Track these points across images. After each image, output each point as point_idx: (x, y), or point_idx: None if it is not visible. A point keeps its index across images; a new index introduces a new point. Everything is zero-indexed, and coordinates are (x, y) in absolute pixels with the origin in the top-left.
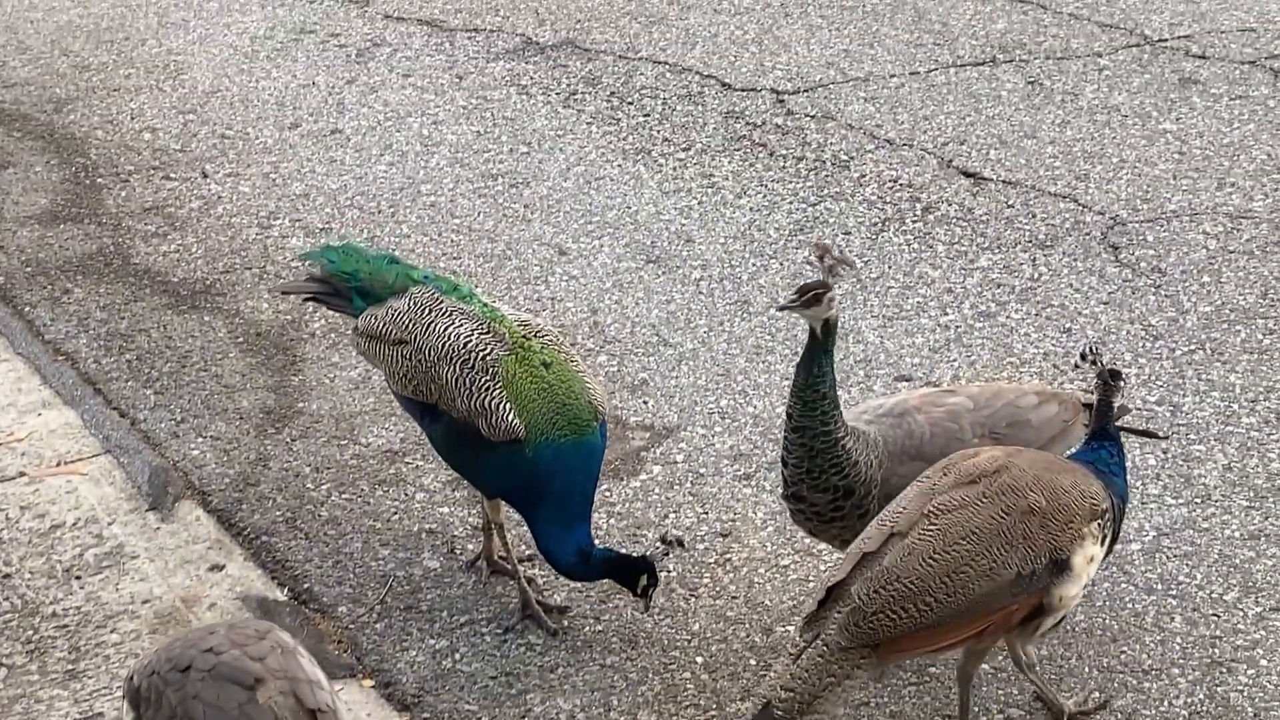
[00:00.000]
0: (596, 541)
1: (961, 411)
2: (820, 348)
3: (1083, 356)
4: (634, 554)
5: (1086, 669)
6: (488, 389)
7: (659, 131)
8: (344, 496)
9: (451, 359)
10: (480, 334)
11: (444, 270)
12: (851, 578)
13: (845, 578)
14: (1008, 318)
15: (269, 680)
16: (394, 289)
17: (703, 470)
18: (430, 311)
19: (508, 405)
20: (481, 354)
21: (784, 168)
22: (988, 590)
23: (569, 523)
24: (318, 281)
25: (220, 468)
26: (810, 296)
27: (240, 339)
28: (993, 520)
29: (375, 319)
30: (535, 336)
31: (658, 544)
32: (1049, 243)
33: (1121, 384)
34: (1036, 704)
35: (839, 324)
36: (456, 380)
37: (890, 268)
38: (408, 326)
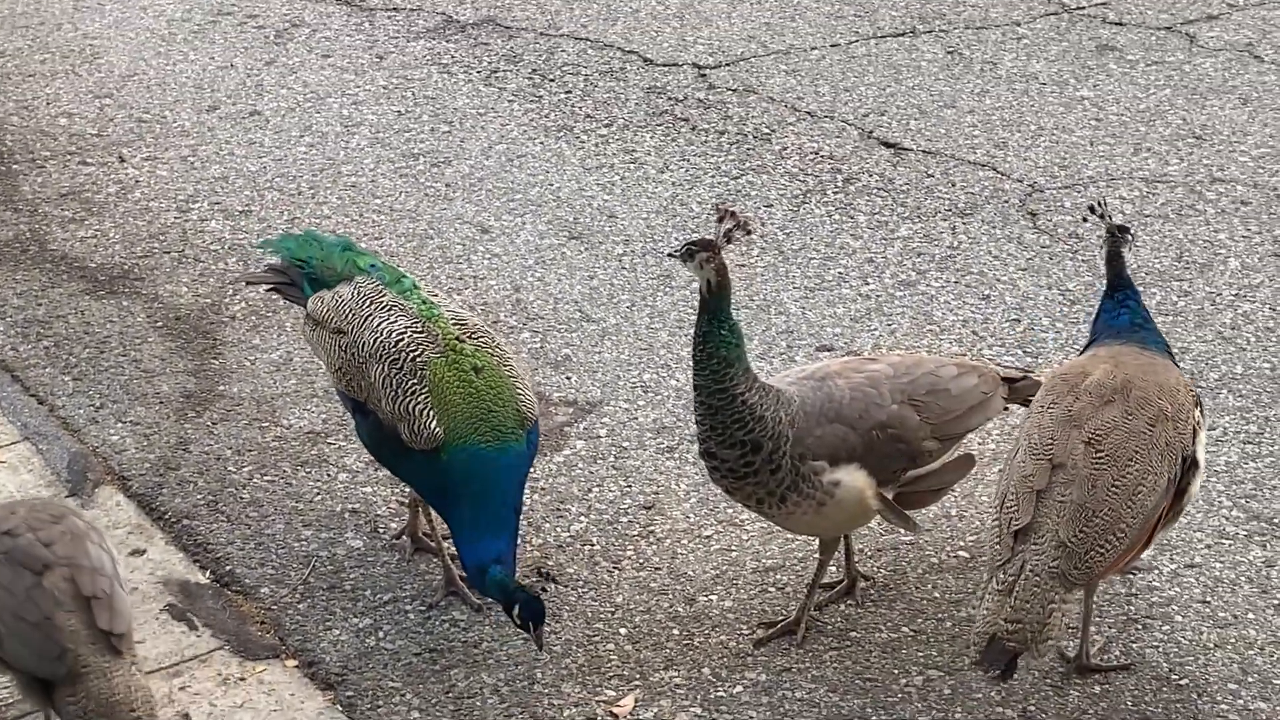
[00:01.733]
0: (515, 555)
1: (881, 378)
2: (708, 308)
3: (1091, 210)
4: (526, 590)
5: None
6: (413, 393)
7: (581, 108)
8: (266, 478)
9: (381, 357)
10: (413, 333)
11: (365, 249)
12: (1039, 517)
13: (1030, 520)
14: (928, 286)
15: (55, 567)
16: (341, 276)
17: (626, 444)
18: (370, 303)
19: (430, 412)
20: (411, 355)
21: (706, 142)
22: (1155, 503)
23: (484, 530)
24: (277, 271)
25: (140, 452)
26: (686, 250)
27: (159, 323)
28: (1144, 436)
29: (321, 304)
30: (470, 338)
31: (534, 576)
32: (968, 211)
33: (1129, 237)
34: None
35: (732, 288)
36: (384, 380)
37: (812, 239)
38: (347, 316)
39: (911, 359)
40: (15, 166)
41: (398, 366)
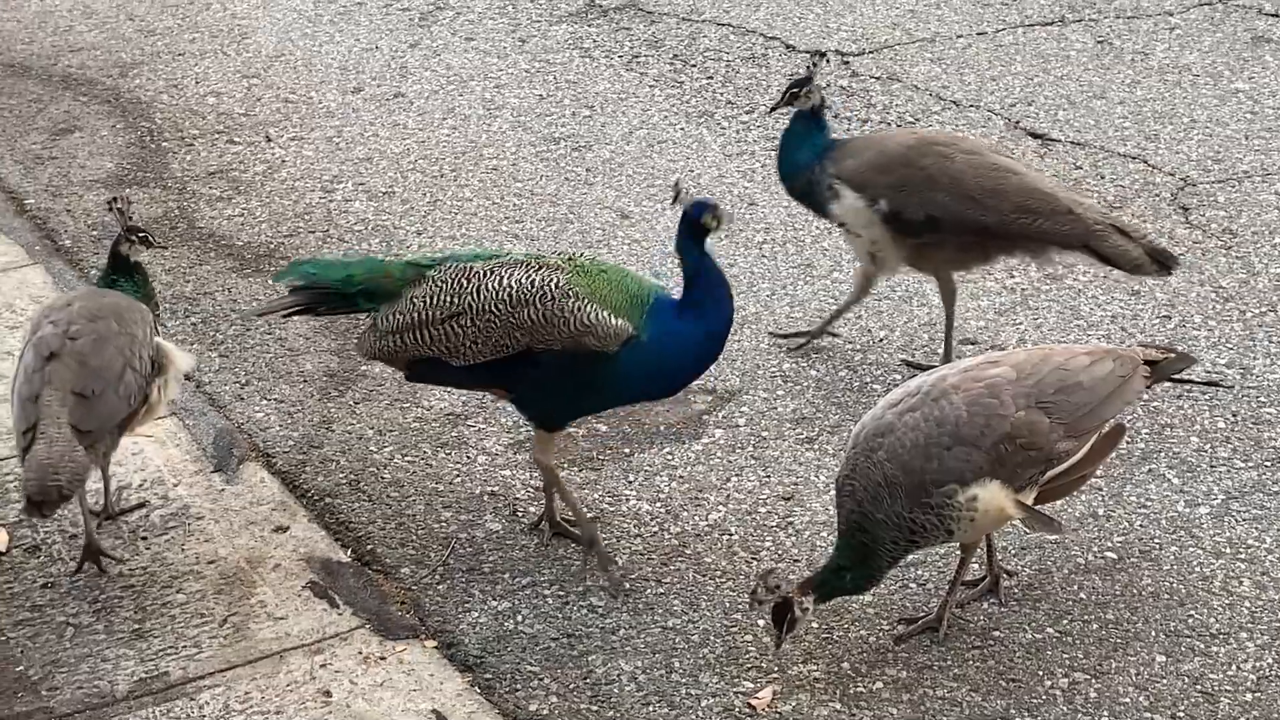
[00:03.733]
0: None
1: (1003, 384)
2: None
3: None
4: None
5: (1153, 633)
6: (578, 309)
7: (722, 94)
8: (406, 459)
9: (527, 300)
10: (535, 271)
11: (507, 234)
12: None
13: None
14: (1074, 280)
15: (62, 356)
16: (404, 280)
17: (765, 434)
18: (470, 279)
19: (604, 312)
20: (552, 283)
21: (849, 130)
22: None
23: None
24: (302, 292)
25: (284, 430)
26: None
27: None
28: None
29: (402, 313)
30: (572, 259)
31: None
32: (1118, 204)
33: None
34: None
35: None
36: (544, 316)
37: None
38: (454, 301)
39: (1037, 355)
40: (165, 144)
41: (549, 298)
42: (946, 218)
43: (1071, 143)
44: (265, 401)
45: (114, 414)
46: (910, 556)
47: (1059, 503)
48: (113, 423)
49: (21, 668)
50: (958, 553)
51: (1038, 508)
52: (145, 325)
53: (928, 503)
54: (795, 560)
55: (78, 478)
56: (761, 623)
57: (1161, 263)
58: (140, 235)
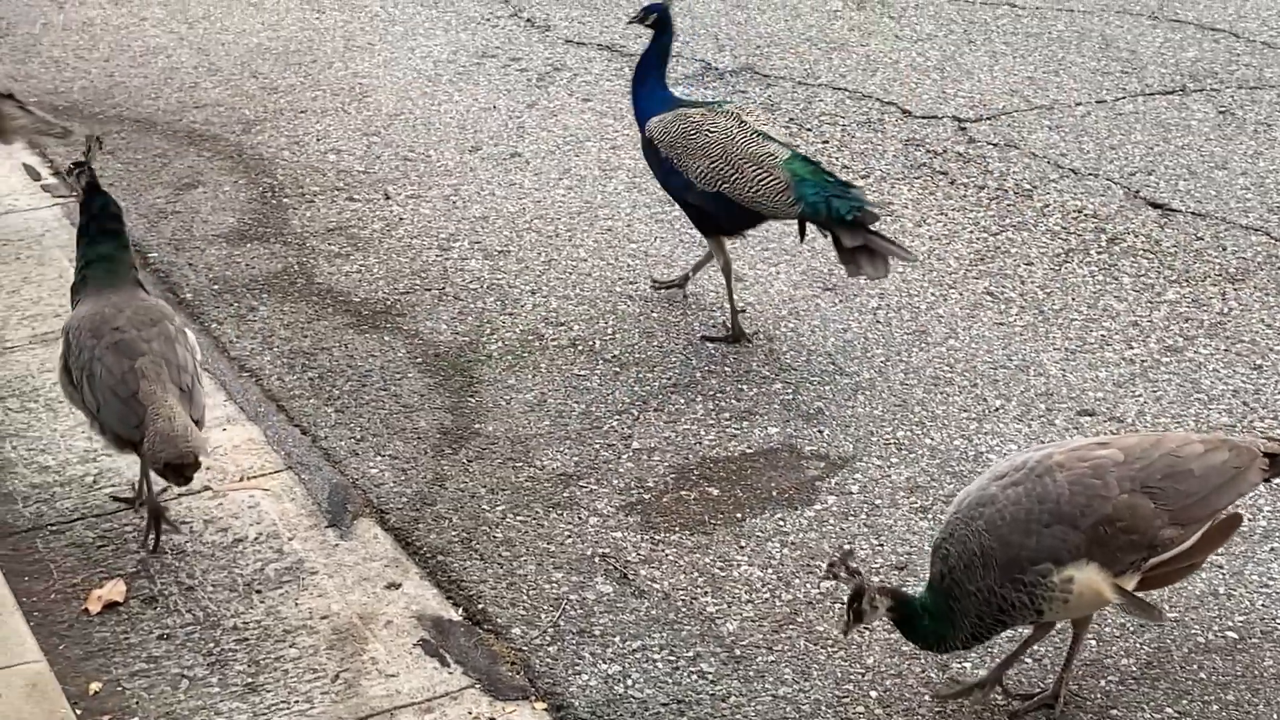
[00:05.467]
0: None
1: (1108, 466)
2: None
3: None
4: None
5: (1275, 715)
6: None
7: (838, 158)
8: (518, 518)
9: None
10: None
11: (620, 294)
12: None
13: None
14: (1196, 353)
15: (148, 355)
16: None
17: (878, 502)
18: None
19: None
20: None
21: (965, 196)
22: None
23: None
24: None
25: (398, 486)
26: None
27: (419, 359)
28: None
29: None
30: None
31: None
32: (1240, 276)
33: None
34: None
35: None
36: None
37: (1074, 299)
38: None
39: (1149, 440)
40: (286, 200)
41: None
42: None
43: (1192, 213)
44: (379, 458)
45: (204, 404)
46: (1025, 630)
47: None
48: (203, 412)
49: (137, 718)
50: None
51: (1141, 594)
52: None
53: (1021, 579)
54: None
55: (204, 445)
56: (874, 694)
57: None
58: (78, 167)
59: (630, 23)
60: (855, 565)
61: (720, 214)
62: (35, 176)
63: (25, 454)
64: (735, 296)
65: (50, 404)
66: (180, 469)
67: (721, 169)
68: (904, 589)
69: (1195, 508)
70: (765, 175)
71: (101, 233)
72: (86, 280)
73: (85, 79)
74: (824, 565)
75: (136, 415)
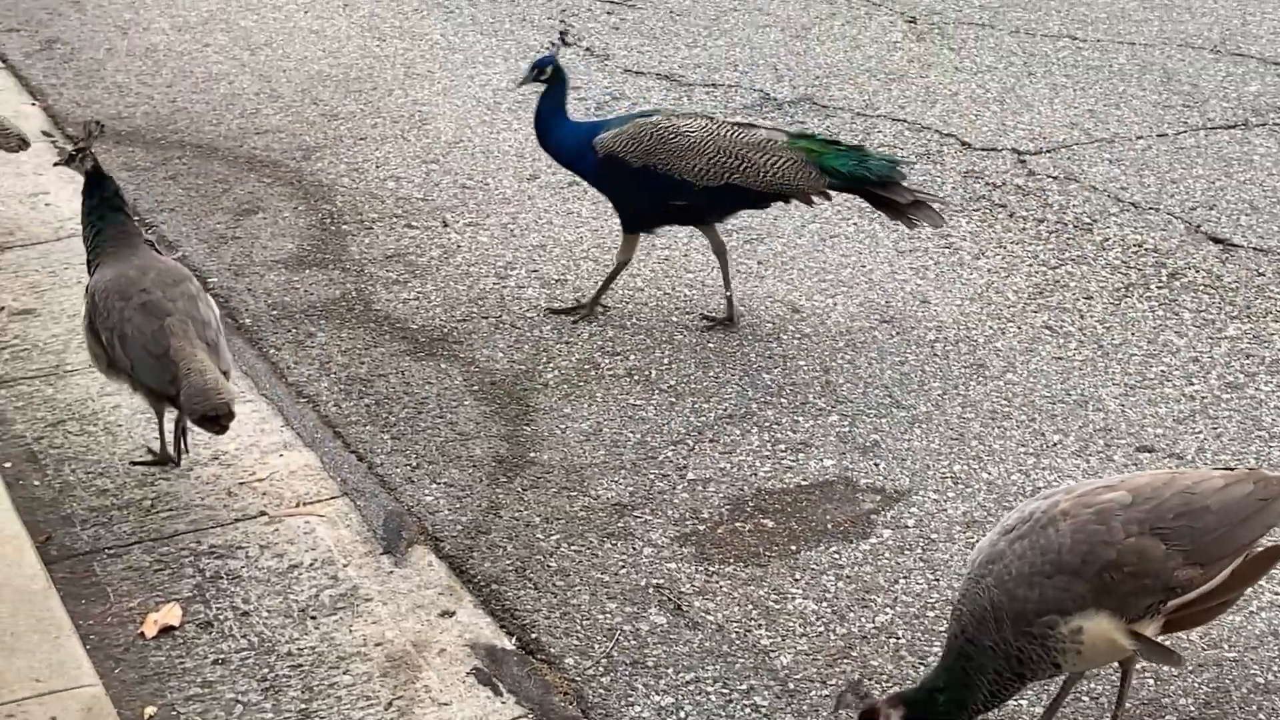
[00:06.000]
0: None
1: (1114, 510)
2: None
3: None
4: None
5: None
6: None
7: None
8: (573, 548)
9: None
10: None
11: (677, 324)
12: None
13: None
14: (1257, 390)
15: (175, 315)
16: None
17: (934, 536)
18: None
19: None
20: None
21: (1024, 229)
22: None
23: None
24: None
25: (453, 514)
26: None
27: (475, 387)
28: None
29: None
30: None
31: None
32: None
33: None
34: None
35: None
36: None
37: (1133, 334)
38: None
39: (1162, 479)
40: (345, 227)
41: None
42: None
43: (1254, 249)
44: (435, 485)
45: (229, 358)
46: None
47: (1229, 621)
48: (230, 364)
49: None
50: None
51: (1176, 634)
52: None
53: (1030, 632)
54: None
55: (235, 396)
56: None
57: None
58: (80, 153)
59: (522, 84)
60: (865, 690)
61: (727, 204)
62: None
63: (84, 477)
64: (608, 289)
65: (109, 428)
66: (216, 419)
67: (724, 161)
68: (908, 688)
69: (1215, 545)
70: (776, 158)
71: (113, 209)
72: (104, 247)
73: (148, 104)
74: (832, 700)
75: (170, 371)
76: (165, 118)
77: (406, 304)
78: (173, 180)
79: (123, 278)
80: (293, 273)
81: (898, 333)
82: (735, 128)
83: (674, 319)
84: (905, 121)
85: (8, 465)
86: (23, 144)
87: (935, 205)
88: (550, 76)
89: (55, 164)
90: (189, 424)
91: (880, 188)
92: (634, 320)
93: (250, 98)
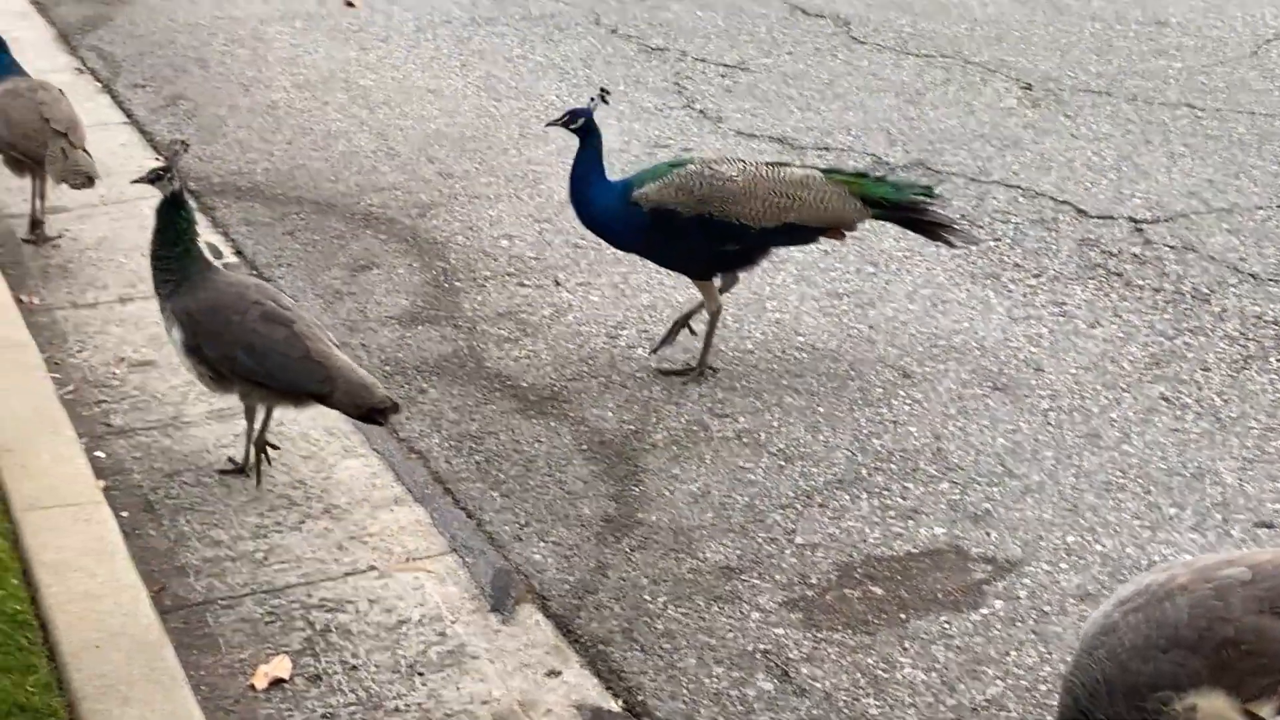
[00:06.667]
0: None
1: (1233, 586)
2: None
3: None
4: None
5: None
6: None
7: (1009, 256)
8: (680, 610)
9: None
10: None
11: (787, 388)
12: None
13: None
14: None
15: (298, 320)
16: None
17: (1047, 608)
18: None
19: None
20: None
21: (1140, 299)
22: None
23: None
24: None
25: (560, 573)
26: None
27: (584, 446)
28: None
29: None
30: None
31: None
32: None
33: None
34: None
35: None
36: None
37: (1252, 408)
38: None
39: None
40: (458, 284)
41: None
42: None
43: None
44: (543, 543)
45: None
46: None
47: None
48: None
49: None
50: None
51: None
52: None
53: (1143, 707)
54: None
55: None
56: None
57: None
58: (165, 172)
59: (551, 124)
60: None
61: (779, 243)
62: (217, 254)
63: (199, 528)
64: (712, 345)
65: (225, 479)
66: (383, 412)
67: (779, 201)
68: None
69: None
70: (822, 192)
71: (194, 231)
72: (189, 268)
73: (268, 161)
74: None
75: (321, 371)
76: (285, 174)
77: (517, 362)
78: (291, 236)
79: (225, 294)
80: (406, 329)
81: (1010, 400)
82: (771, 167)
83: (783, 382)
84: (1020, 188)
85: (125, 515)
86: (89, 181)
87: (966, 229)
88: (581, 129)
89: (133, 182)
90: (265, 439)
91: (920, 212)
92: (743, 382)
93: (368, 155)
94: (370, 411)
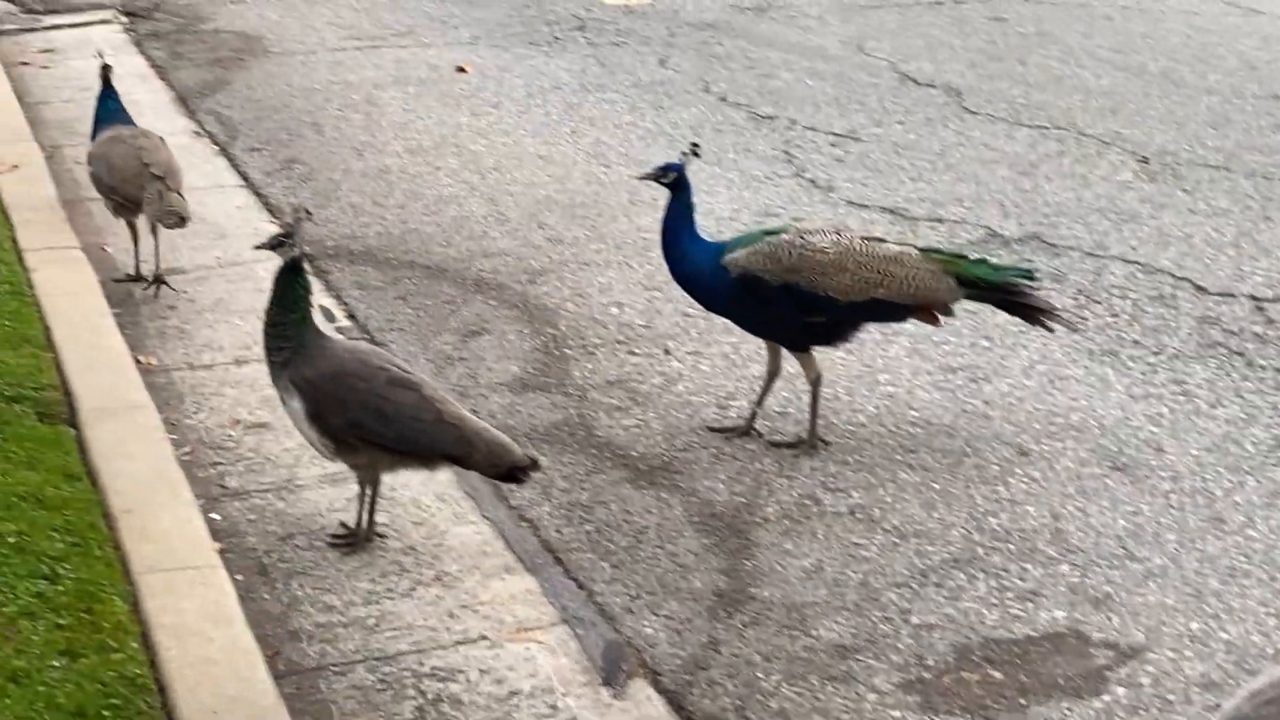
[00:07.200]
0: None
1: None
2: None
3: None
4: None
5: None
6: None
7: (1128, 334)
8: (794, 689)
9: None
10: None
11: (900, 463)
12: None
13: None
14: None
15: (425, 384)
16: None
17: (1171, 697)
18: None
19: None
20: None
21: (1263, 379)
22: None
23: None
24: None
25: (672, 648)
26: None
27: (695, 518)
28: None
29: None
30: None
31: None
32: None
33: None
34: None
35: None
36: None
37: None
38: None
39: None
40: (567, 351)
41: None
42: None
43: None
44: (654, 617)
45: None
46: None
47: None
48: None
49: None
50: None
51: None
52: None
53: None
54: None
55: None
56: None
57: None
58: (287, 238)
59: (643, 177)
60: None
61: (866, 318)
62: (330, 318)
63: (311, 592)
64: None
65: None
66: (524, 469)
67: (869, 276)
68: None
69: None
70: (914, 270)
71: (306, 301)
72: (305, 337)
73: (380, 225)
74: None
75: (457, 432)
76: (397, 238)
77: (628, 431)
78: (403, 300)
79: (347, 361)
80: (516, 396)
81: (1130, 481)
82: (866, 241)
83: (897, 457)
84: (1138, 264)
85: (240, 578)
86: (181, 221)
87: (1064, 314)
88: (673, 183)
89: (255, 247)
90: (372, 500)
91: (1017, 294)
92: (856, 457)
93: (479, 220)
94: (511, 470)
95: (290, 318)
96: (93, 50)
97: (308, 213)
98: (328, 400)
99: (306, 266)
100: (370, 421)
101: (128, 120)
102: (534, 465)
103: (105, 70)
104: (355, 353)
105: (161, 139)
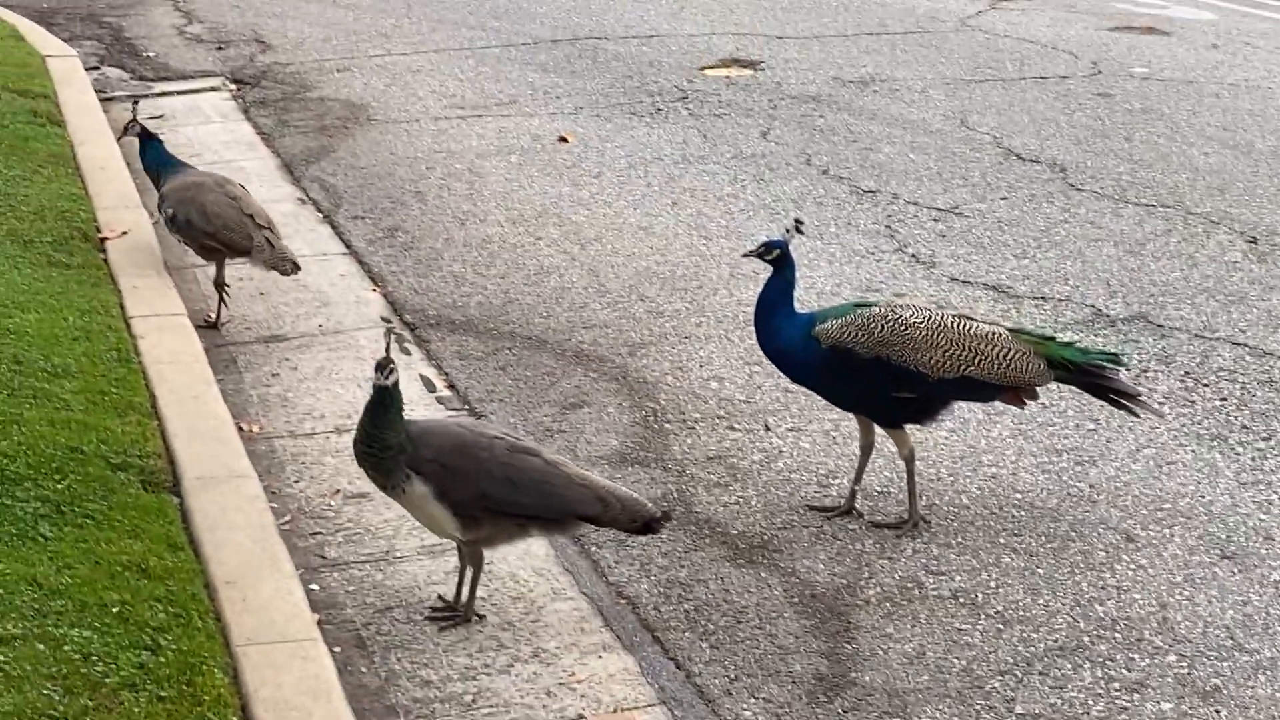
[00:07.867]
0: None
1: None
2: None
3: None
4: None
5: None
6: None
7: (1237, 418)
8: None
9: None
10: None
11: (1005, 546)
12: None
13: None
14: None
15: (541, 451)
16: None
17: None
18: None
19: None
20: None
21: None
22: None
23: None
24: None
25: None
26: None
27: (795, 599)
28: None
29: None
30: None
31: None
32: None
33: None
34: None
35: None
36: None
37: None
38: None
39: None
40: (667, 425)
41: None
42: None
43: None
44: (753, 700)
45: None
46: None
47: None
48: None
49: None
50: None
51: None
52: None
53: None
54: None
55: None
56: None
57: None
58: (388, 363)
59: (747, 255)
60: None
61: (954, 396)
62: (430, 388)
63: (409, 666)
64: (917, 494)
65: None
66: (658, 521)
67: (959, 354)
68: None
69: None
70: (1005, 350)
71: (400, 418)
72: (407, 430)
73: (482, 294)
74: None
75: (592, 492)
76: (498, 308)
77: (727, 508)
78: (503, 371)
79: (463, 437)
80: (615, 469)
81: (1240, 570)
82: (958, 318)
83: (1001, 540)
84: (1247, 346)
85: (337, 650)
86: (295, 268)
87: (1150, 401)
88: (777, 260)
89: (377, 373)
90: (474, 576)
91: (1104, 378)
92: (959, 539)
93: (579, 291)
94: (646, 524)
95: (386, 418)
96: (168, 113)
97: (397, 336)
98: (454, 475)
99: (401, 393)
100: (499, 490)
101: (186, 166)
102: (667, 517)
103: (135, 123)
104: (466, 426)
105: (243, 185)
